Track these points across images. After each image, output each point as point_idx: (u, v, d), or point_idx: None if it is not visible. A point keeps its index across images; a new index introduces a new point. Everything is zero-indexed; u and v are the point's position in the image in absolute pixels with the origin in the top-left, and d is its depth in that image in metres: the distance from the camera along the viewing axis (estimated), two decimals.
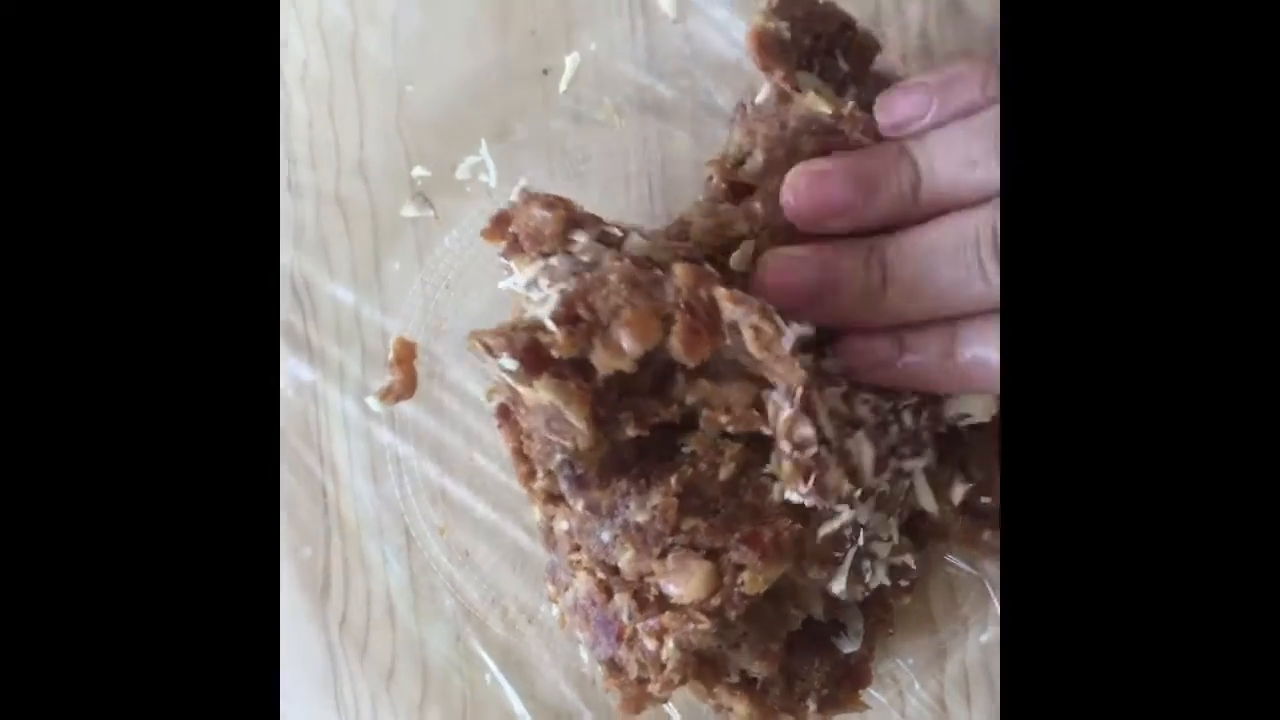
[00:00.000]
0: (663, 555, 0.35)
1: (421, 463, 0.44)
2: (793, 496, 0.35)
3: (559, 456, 0.36)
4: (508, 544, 0.44)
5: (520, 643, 0.44)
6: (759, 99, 0.40)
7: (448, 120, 0.44)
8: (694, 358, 0.34)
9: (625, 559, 0.36)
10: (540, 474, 0.38)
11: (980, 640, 0.42)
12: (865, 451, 0.36)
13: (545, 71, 0.44)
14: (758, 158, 0.39)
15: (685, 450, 0.36)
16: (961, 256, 0.35)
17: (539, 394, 0.34)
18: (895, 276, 0.36)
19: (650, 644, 0.35)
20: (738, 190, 0.39)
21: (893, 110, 0.38)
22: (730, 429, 0.35)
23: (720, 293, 0.33)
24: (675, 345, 0.33)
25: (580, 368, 0.34)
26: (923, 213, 0.36)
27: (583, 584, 0.37)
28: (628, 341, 0.33)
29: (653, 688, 0.35)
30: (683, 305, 0.33)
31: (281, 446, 0.44)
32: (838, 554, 0.37)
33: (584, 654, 0.43)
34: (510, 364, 0.34)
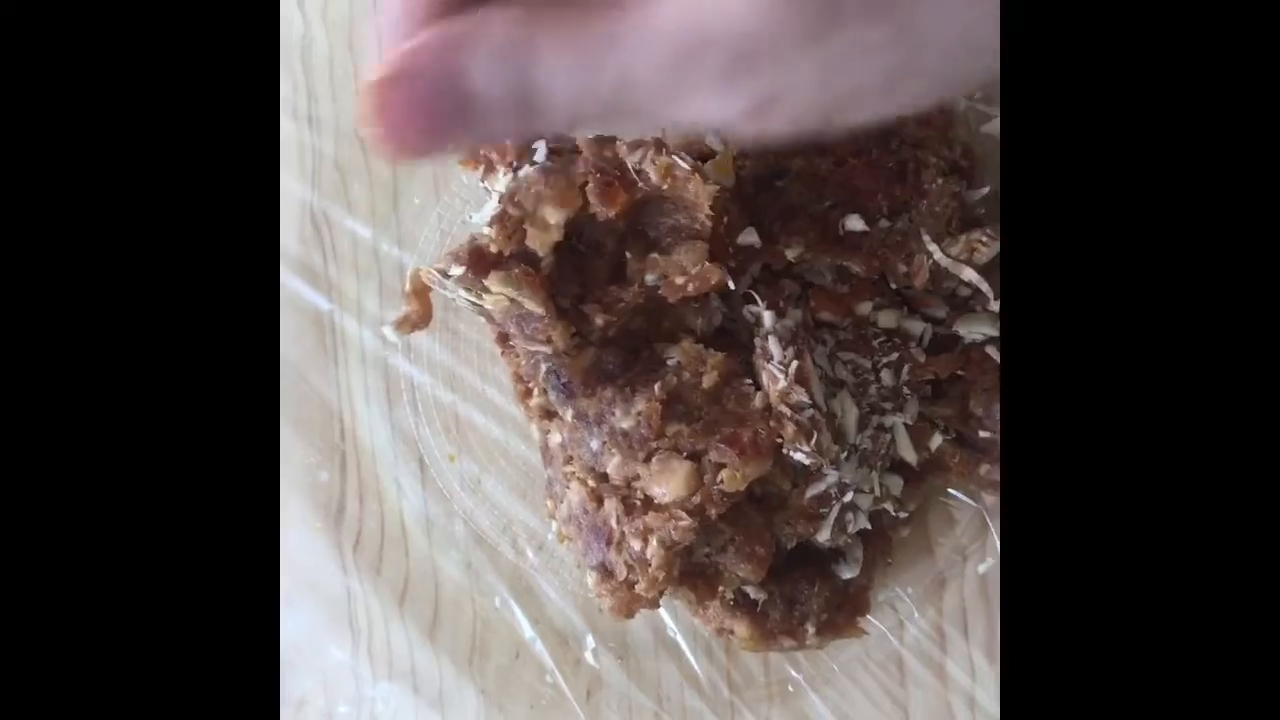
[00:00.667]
0: (648, 459, 0.36)
1: (436, 392, 0.46)
2: (798, 456, 0.37)
3: (544, 366, 0.37)
4: (517, 473, 0.45)
5: (528, 568, 0.45)
6: None
7: None
8: (614, 207, 0.35)
9: (613, 465, 0.37)
10: (535, 392, 0.40)
11: (979, 570, 0.43)
12: (849, 411, 0.38)
13: None
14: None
15: (670, 362, 0.37)
16: None
17: (496, 295, 0.35)
18: None
19: (636, 545, 0.36)
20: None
21: None
22: (691, 289, 0.36)
23: (620, 146, 0.35)
24: (596, 206, 0.35)
25: (526, 259, 0.36)
26: None
27: (575, 494, 0.38)
28: (551, 213, 0.35)
29: (640, 588, 0.36)
30: (591, 168, 0.35)
31: (300, 376, 0.46)
32: (823, 510, 0.39)
33: (588, 580, 0.44)
34: (457, 270, 0.35)
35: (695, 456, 0.36)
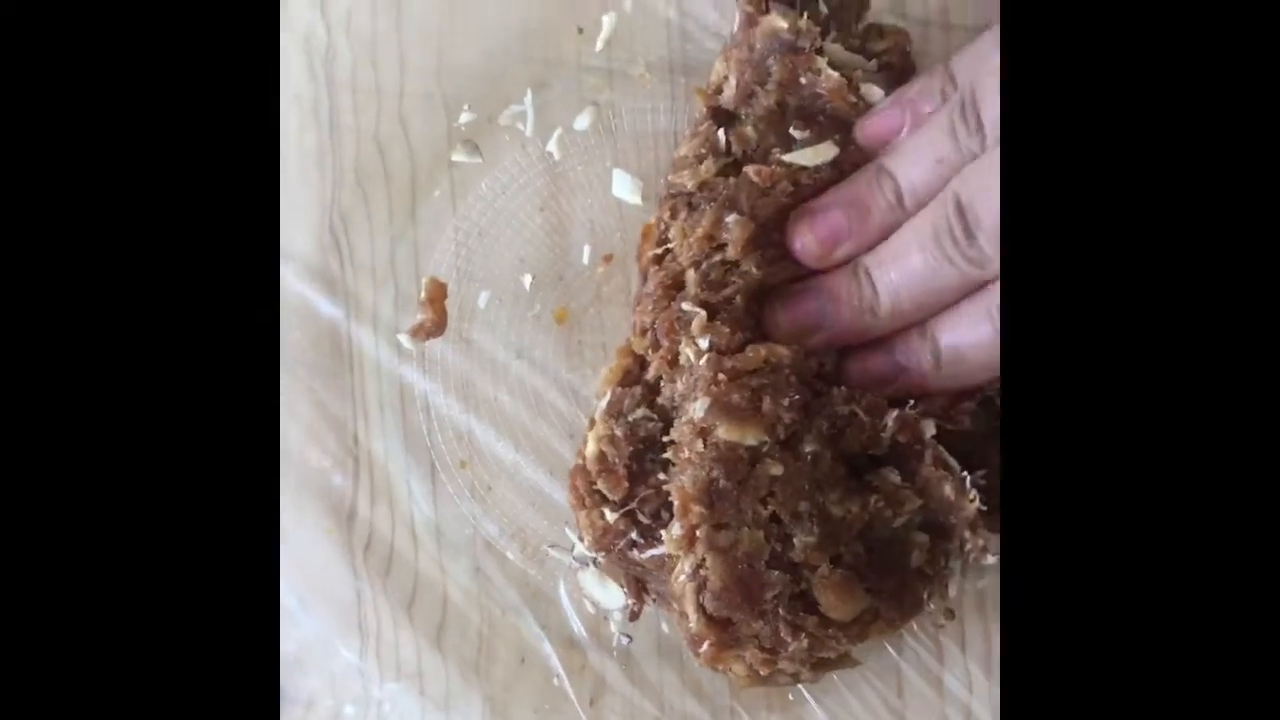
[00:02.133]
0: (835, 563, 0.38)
1: (449, 399, 0.46)
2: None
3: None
4: (527, 483, 0.46)
5: (536, 575, 0.46)
6: (735, 27, 0.43)
7: (486, 72, 0.46)
8: None
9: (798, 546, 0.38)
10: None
11: (977, 586, 0.44)
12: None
13: (580, 30, 0.46)
14: (731, 81, 0.42)
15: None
16: (931, 245, 0.38)
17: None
18: (881, 282, 0.39)
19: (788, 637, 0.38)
20: (718, 115, 0.42)
21: (872, 128, 0.41)
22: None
23: None
24: None
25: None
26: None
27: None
28: None
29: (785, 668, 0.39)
30: None
31: (315, 380, 0.46)
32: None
33: (594, 590, 0.45)
34: None
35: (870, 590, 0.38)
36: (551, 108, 0.46)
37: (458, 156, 0.47)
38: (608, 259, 0.46)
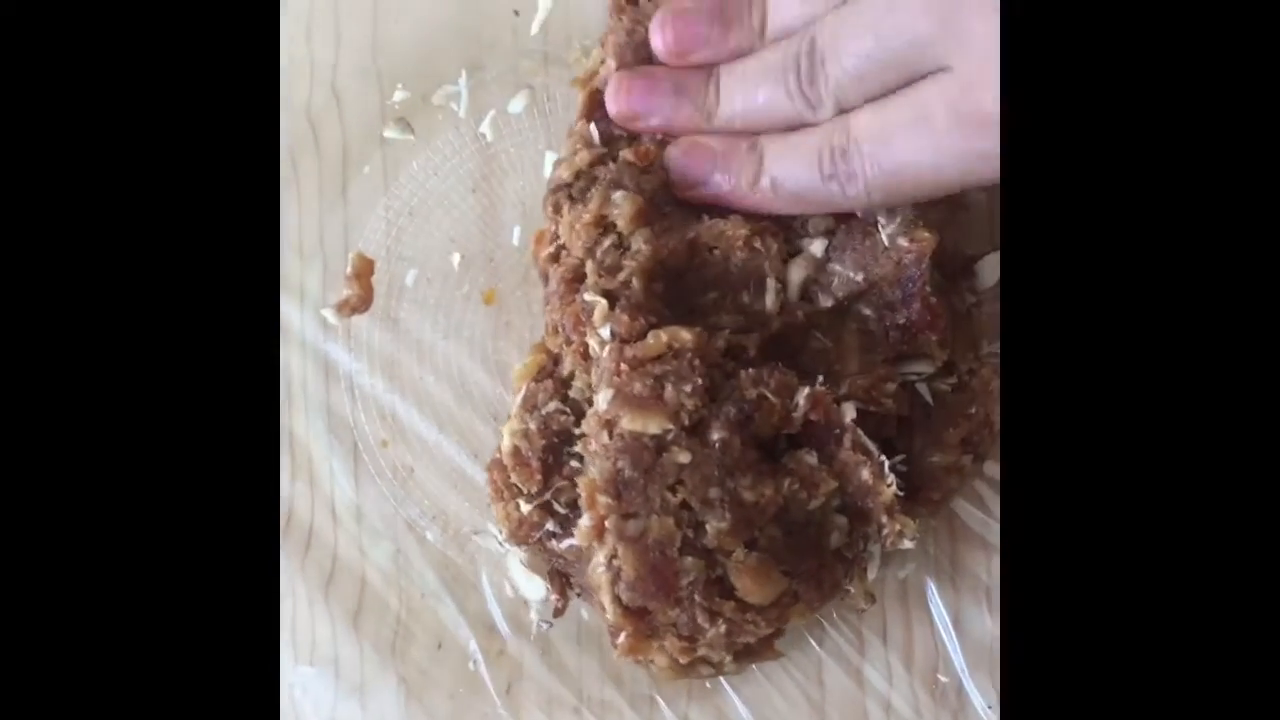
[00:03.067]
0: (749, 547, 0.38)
1: (373, 379, 0.46)
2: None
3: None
4: (450, 465, 0.46)
5: (457, 559, 0.45)
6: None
7: (421, 51, 0.46)
8: None
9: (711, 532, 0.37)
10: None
11: (899, 576, 0.44)
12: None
13: (516, 13, 0.47)
14: (610, 65, 0.42)
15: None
16: (779, 76, 0.39)
17: None
18: (725, 93, 0.41)
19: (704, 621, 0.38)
20: (597, 103, 0.43)
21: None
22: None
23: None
24: None
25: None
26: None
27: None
28: None
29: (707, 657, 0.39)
30: None
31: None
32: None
33: (519, 577, 0.44)
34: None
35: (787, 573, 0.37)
36: (486, 89, 0.46)
37: (390, 133, 0.46)
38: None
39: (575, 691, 0.44)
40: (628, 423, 0.36)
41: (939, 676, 0.43)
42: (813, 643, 0.44)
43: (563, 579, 0.42)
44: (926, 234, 0.39)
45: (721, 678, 0.44)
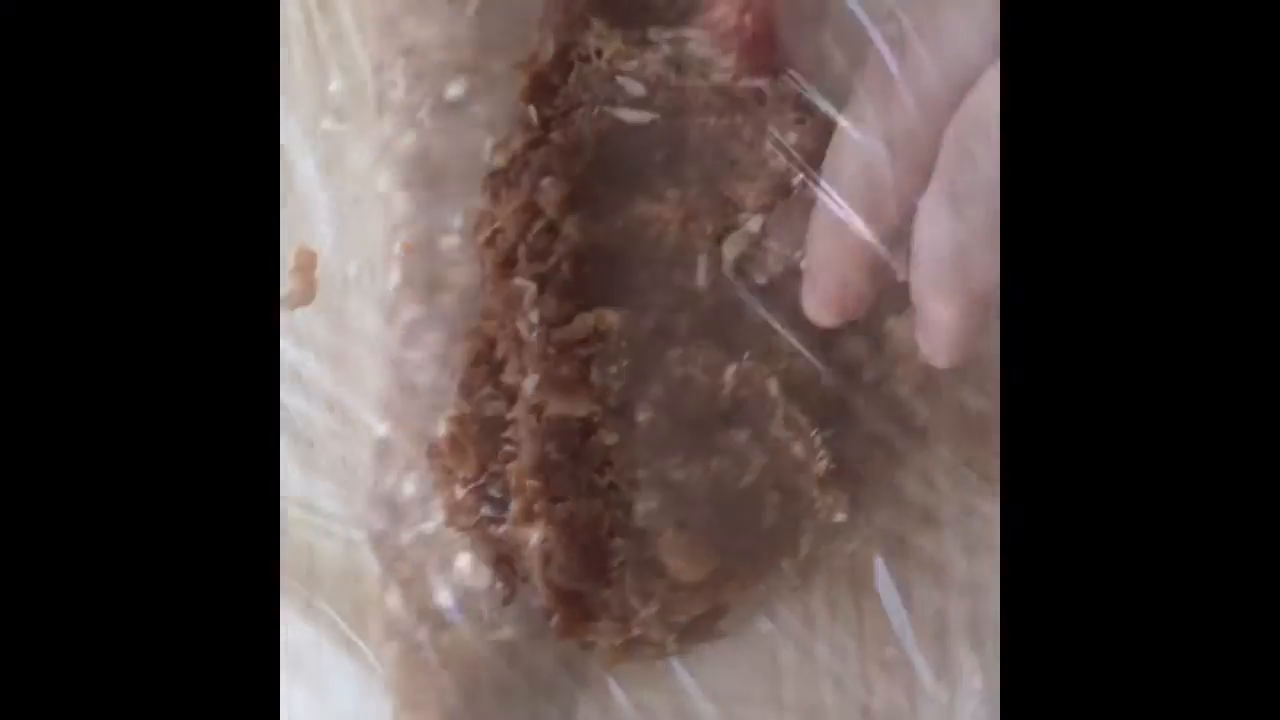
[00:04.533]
0: None
1: (320, 368, 0.46)
2: None
3: None
4: (401, 455, 0.46)
5: (406, 548, 0.45)
6: None
7: (357, 38, 0.46)
8: None
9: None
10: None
11: (847, 550, 0.43)
12: None
13: None
14: (549, 47, 0.42)
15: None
16: None
17: None
18: None
19: None
20: (539, 87, 0.42)
21: None
22: None
23: None
24: None
25: None
26: None
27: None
28: None
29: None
30: None
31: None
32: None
33: (461, 563, 0.44)
34: None
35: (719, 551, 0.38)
36: (423, 77, 0.46)
37: (328, 124, 0.46)
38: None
39: (527, 676, 0.44)
40: (554, 406, 0.36)
41: (888, 650, 0.43)
42: (766, 620, 0.44)
43: (508, 565, 0.42)
44: None
45: (676, 662, 0.44)
